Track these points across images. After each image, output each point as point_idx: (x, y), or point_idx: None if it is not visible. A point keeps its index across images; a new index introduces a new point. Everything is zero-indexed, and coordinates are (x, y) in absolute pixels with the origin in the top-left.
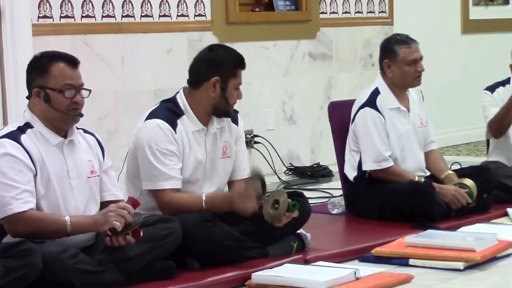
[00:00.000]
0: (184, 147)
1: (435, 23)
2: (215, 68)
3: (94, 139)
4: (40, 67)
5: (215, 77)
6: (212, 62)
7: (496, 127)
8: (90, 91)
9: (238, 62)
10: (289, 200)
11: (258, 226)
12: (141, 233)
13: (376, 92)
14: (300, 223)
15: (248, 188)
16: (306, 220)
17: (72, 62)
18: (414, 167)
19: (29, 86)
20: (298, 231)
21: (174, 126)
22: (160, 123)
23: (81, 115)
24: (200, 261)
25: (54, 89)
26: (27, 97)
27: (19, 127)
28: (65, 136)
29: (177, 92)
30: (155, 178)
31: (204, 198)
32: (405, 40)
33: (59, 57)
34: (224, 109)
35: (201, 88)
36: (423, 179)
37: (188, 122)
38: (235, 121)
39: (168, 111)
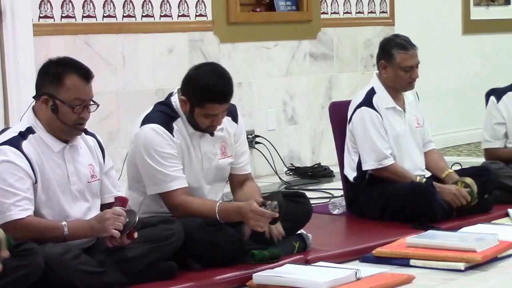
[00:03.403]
0: (183, 149)
1: (436, 24)
2: (186, 87)
3: (95, 141)
4: (54, 75)
5: (184, 96)
6: (188, 80)
7: (497, 160)
8: (98, 105)
9: (207, 95)
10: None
11: None
12: (135, 235)
13: (372, 92)
14: (302, 224)
15: (264, 211)
16: (307, 221)
17: (87, 75)
18: (412, 167)
19: (38, 89)
20: (300, 232)
21: (170, 129)
22: (156, 128)
23: (85, 131)
24: (201, 263)
25: (64, 102)
26: (33, 97)
27: (20, 132)
28: (66, 141)
29: (171, 94)
30: (160, 181)
31: (218, 207)
32: (404, 45)
33: (75, 68)
34: (195, 126)
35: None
36: (424, 179)
37: (183, 125)
38: (235, 119)
39: (163, 115)
